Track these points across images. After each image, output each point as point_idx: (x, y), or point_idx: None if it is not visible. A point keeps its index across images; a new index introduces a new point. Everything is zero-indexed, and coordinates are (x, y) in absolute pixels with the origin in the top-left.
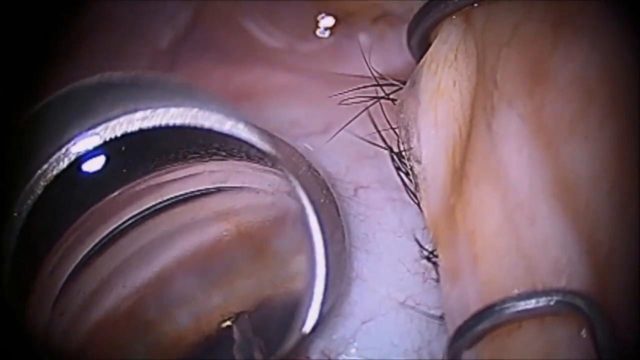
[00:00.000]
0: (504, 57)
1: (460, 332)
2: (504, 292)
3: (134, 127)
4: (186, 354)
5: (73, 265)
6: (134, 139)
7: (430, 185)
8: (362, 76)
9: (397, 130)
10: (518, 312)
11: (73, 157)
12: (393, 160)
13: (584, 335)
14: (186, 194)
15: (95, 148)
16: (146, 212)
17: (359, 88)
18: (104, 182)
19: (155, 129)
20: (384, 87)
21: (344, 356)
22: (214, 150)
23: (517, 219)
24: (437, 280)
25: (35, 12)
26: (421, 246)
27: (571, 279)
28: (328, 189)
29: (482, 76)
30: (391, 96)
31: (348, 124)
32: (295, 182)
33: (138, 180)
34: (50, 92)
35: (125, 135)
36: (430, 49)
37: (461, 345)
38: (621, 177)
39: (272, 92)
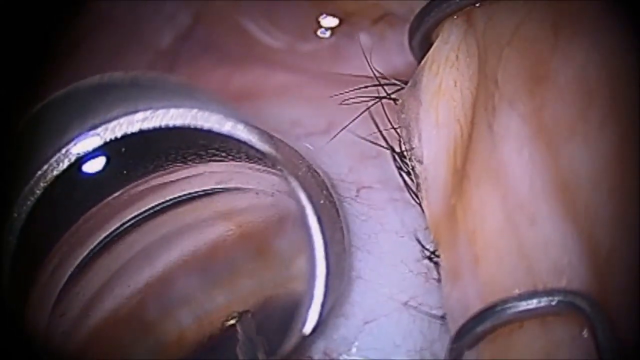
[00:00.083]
0: (505, 57)
1: (462, 332)
2: (505, 292)
3: (134, 128)
4: (188, 354)
5: (73, 267)
6: (134, 140)
7: (432, 185)
8: (363, 76)
9: (398, 130)
10: (519, 312)
11: (73, 158)
12: (395, 160)
13: (585, 336)
14: (186, 194)
15: (96, 149)
16: (146, 213)
17: (360, 88)
18: (104, 183)
19: (155, 130)
20: (385, 87)
21: (345, 356)
22: (214, 151)
23: (518, 219)
24: (439, 280)
25: (35, 12)
26: (423, 246)
27: (571, 279)
28: (328, 190)
29: (483, 76)
30: (392, 96)
31: (349, 124)
32: (295, 183)
33: (138, 181)
34: (50, 92)
35: (125, 136)
36: (432, 49)
37: (462, 345)
38: (621, 178)
39: (273, 92)
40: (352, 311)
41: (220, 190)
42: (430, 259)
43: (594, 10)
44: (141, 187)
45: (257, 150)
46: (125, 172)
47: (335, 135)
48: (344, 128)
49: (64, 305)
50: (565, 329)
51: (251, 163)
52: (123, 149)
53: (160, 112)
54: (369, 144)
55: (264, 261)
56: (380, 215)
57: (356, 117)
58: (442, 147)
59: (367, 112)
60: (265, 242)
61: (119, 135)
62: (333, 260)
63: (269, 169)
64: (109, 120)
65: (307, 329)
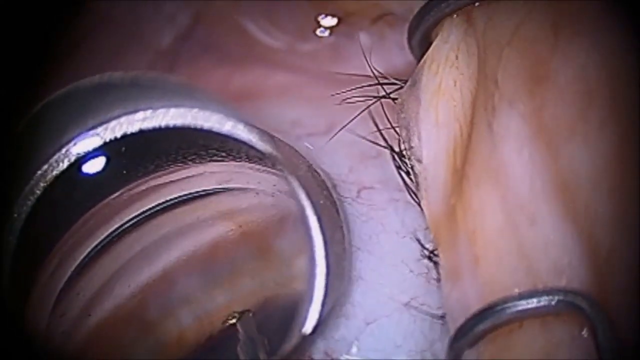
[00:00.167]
0: (505, 57)
1: (462, 331)
2: (505, 292)
3: (134, 128)
4: (189, 354)
5: (73, 267)
6: (134, 140)
7: (431, 185)
8: (362, 75)
9: (397, 130)
10: (519, 311)
11: (73, 158)
12: (394, 159)
13: (585, 335)
14: (186, 194)
15: (96, 149)
16: (147, 213)
17: (359, 87)
18: (104, 183)
19: (155, 130)
20: (385, 87)
21: (346, 356)
22: (214, 151)
23: (518, 219)
24: (438, 280)
25: (35, 12)
26: (422, 246)
27: (571, 279)
28: (328, 190)
29: (483, 76)
30: (392, 95)
31: (348, 123)
32: (295, 183)
33: (138, 181)
34: (50, 92)
35: (125, 136)
36: (431, 49)
37: (462, 344)
38: (621, 178)
39: (273, 92)
40: (353, 312)
41: (221, 190)
42: (429, 258)
43: (594, 10)
44: (141, 187)
45: (258, 150)
46: (125, 172)
47: (334, 135)
48: (342, 128)
49: (64, 305)
50: (565, 329)
51: (251, 163)
52: (123, 149)
53: (160, 111)
54: (369, 143)
55: (264, 261)
56: (381, 216)
57: (355, 117)
58: (441, 146)
59: (367, 112)
60: (266, 242)
61: (118, 135)
62: (333, 260)
63: (269, 169)
64: (109, 120)
65: (308, 328)
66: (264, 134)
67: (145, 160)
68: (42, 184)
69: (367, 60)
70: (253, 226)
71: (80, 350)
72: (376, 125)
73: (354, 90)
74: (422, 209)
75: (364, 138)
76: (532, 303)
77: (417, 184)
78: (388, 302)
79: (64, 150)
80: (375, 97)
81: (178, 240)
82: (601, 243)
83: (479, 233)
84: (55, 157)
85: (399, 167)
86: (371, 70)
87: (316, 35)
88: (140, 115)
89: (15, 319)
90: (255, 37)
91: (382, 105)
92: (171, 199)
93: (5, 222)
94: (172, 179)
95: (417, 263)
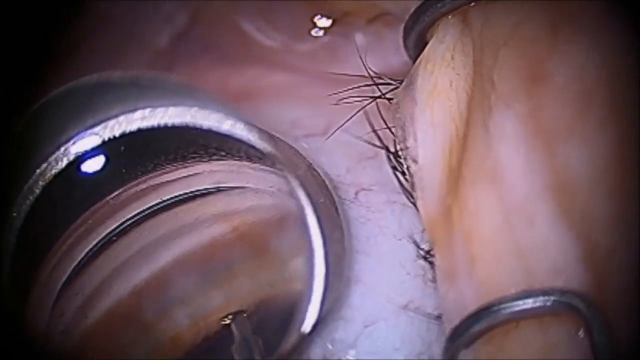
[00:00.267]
0: (501, 57)
1: (458, 332)
2: (502, 292)
3: (133, 127)
4: (185, 354)
5: (72, 266)
6: (134, 139)
7: (427, 185)
8: (359, 75)
9: (393, 130)
10: (515, 312)
11: (72, 157)
12: (390, 159)
13: (582, 336)
14: (186, 194)
15: (95, 148)
16: (146, 213)
17: (355, 87)
18: (103, 182)
19: (154, 129)
20: (381, 87)
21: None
22: (213, 150)
23: (515, 219)
24: (434, 280)
25: (35, 12)
26: (418, 246)
27: (569, 280)
28: (328, 189)
29: (479, 76)
30: (388, 95)
31: (344, 124)
32: (295, 182)
33: (137, 181)
34: (50, 92)
35: (124, 135)
36: (427, 49)
37: (458, 345)
38: (620, 178)
39: (271, 92)
40: (351, 314)
41: (220, 189)
42: (425, 259)
43: (594, 10)
44: (140, 187)
45: (257, 150)
46: (124, 171)
47: (330, 135)
48: (338, 128)
49: (64, 305)
50: (562, 329)
51: (251, 162)
52: (122, 148)
53: (160, 110)
54: (367, 144)
55: (264, 261)
56: (378, 218)
57: (350, 117)
58: (437, 147)
59: (363, 112)
60: (265, 241)
61: (117, 134)
62: (332, 259)
63: (268, 168)
64: (108, 119)
65: (307, 327)
66: (264, 133)
67: (145, 160)
68: (41, 183)
69: (362, 61)
70: (251, 226)
71: (79, 349)
72: (372, 125)
73: (350, 91)
74: (418, 210)
75: (359, 138)
76: (529, 303)
77: (413, 184)
78: (386, 305)
79: (63, 149)
80: (371, 97)
81: (177, 240)
82: (599, 244)
83: (475, 233)
84: (55, 155)
85: (394, 168)
86: (367, 71)
87: (312, 35)
88: (139, 114)
89: (14, 319)
90: (253, 37)
91: (377, 106)
92: (170, 198)
93: (4, 221)
94: (171, 178)
95: (415, 265)
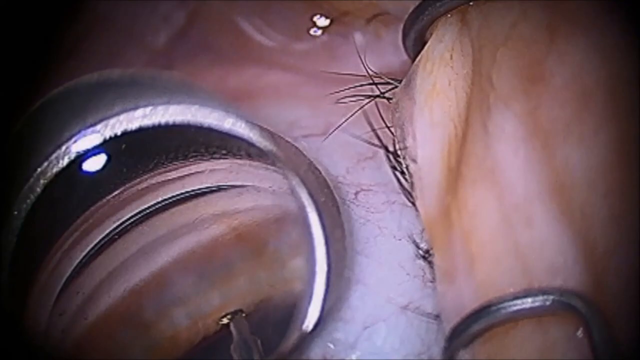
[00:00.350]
0: (500, 57)
1: (457, 331)
2: (500, 292)
3: (134, 125)
4: (184, 354)
5: (73, 265)
6: (134, 138)
7: (426, 184)
8: (357, 75)
9: (392, 129)
10: (514, 311)
11: (73, 156)
12: (389, 159)
13: (580, 335)
14: (187, 192)
15: (96, 147)
16: (146, 212)
17: (354, 87)
18: (104, 181)
19: (155, 128)
20: (380, 86)
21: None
22: (214, 149)
23: (513, 219)
24: (433, 280)
25: (34, 12)
26: (417, 246)
27: (568, 279)
28: (329, 188)
29: (478, 76)
30: (387, 95)
31: (342, 123)
32: (296, 181)
33: (138, 179)
34: (49, 92)
35: (125, 134)
36: (426, 48)
37: (457, 344)
38: (619, 179)
39: (269, 92)
40: (351, 315)
41: (221, 188)
42: (424, 258)
43: (592, 10)
44: (141, 185)
45: (258, 148)
46: (125, 170)
47: (329, 135)
48: (337, 127)
49: (64, 304)
50: (560, 329)
51: (252, 161)
52: (123, 146)
53: (160, 109)
54: (366, 144)
55: (263, 261)
56: (378, 219)
57: (349, 117)
58: (436, 146)
59: (362, 112)
60: (264, 241)
61: (118, 132)
62: (333, 258)
63: (270, 167)
64: (109, 117)
65: (308, 326)
66: (265, 131)
67: (145, 158)
68: (42, 182)
69: (361, 60)
70: (251, 226)
71: (78, 348)
72: (371, 125)
73: (349, 90)
74: (417, 209)
75: (359, 138)
76: (527, 303)
77: (412, 184)
78: (386, 306)
79: (63, 148)
80: (370, 96)
81: (178, 239)
82: (597, 244)
83: (474, 233)
84: (55, 154)
85: (394, 167)
86: (366, 70)
87: (311, 34)
88: (140, 112)
89: (14, 318)
90: (251, 36)
91: (376, 105)
92: (171, 197)
93: (5, 220)
94: (173, 177)
95: (414, 265)
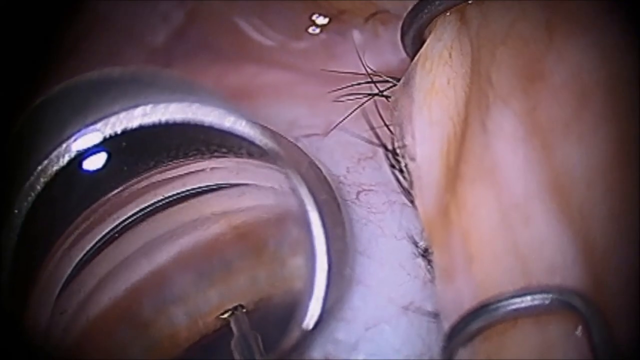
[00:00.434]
0: (499, 55)
1: (456, 330)
2: (499, 291)
3: (134, 124)
4: (184, 353)
5: (74, 263)
6: (135, 136)
7: (425, 183)
8: (356, 73)
9: (391, 128)
10: (513, 310)
11: (73, 154)
12: (387, 158)
13: (579, 334)
14: (187, 191)
15: (96, 145)
16: (147, 210)
17: (353, 86)
18: (104, 179)
19: (155, 126)
20: (379, 85)
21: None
22: (215, 148)
23: (512, 218)
24: (432, 279)
25: (34, 12)
26: (415, 244)
27: (566, 278)
28: (329, 186)
29: (476, 74)
30: (385, 93)
31: (341, 122)
32: (297, 179)
33: (139, 178)
34: (49, 90)
35: (125, 132)
36: (424, 47)
37: (456, 343)
38: (618, 178)
39: (268, 91)
40: (352, 316)
41: (222, 186)
42: (423, 256)
43: (591, 8)
44: (142, 184)
45: (259, 146)
46: (125, 168)
47: (328, 133)
48: (334, 127)
49: (65, 302)
50: (559, 328)
51: (253, 159)
52: (123, 145)
53: (161, 107)
54: (367, 143)
55: (263, 259)
56: (379, 219)
57: (348, 115)
58: (435, 145)
59: (361, 110)
60: (266, 238)
61: (119, 130)
62: (334, 256)
63: (270, 165)
64: (109, 115)
65: (309, 324)
66: (265, 129)
67: (146, 157)
68: (42, 180)
69: (360, 58)
70: (251, 224)
71: (78, 347)
72: (370, 123)
73: (347, 89)
74: (416, 208)
75: (358, 137)
76: (527, 301)
77: (411, 183)
78: (387, 306)
79: (64, 146)
80: (369, 94)
81: (179, 237)
82: (596, 243)
83: (473, 232)
84: (56, 152)
85: (392, 166)
86: (365, 68)
87: (309, 33)
88: (140, 110)
89: (14, 318)
90: (249, 35)
91: (375, 104)
92: (172, 196)
93: (5, 218)
94: (173, 176)
95: (415, 266)
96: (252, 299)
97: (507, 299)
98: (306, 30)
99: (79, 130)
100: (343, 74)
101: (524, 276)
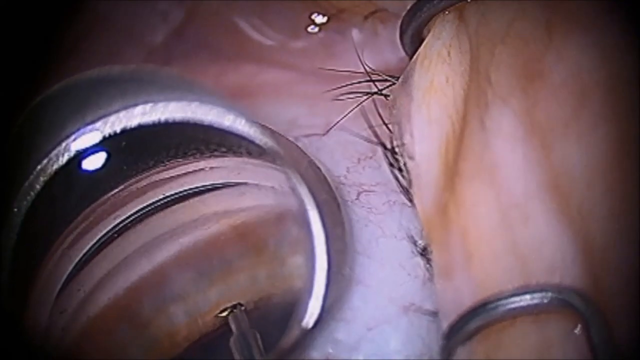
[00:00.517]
0: (498, 54)
1: (454, 328)
2: (498, 290)
3: (134, 123)
4: (183, 351)
5: (74, 263)
6: (134, 135)
7: (424, 181)
8: (355, 72)
9: (390, 126)
10: (512, 308)
11: (73, 153)
12: (386, 156)
13: (578, 333)
14: (187, 190)
15: (95, 144)
16: (146, 209)
17: (351, 84)
18: (103, 178)
19: (155, 125)
20: (377, 83)
21: None
22: (214, 147)
23: (512, 217)
24: (431, 278)
25: (34, 12)
26: (414, 243)
27: (566, 277)
28: (329, 185)
29: (475, 73)
30: (384, 92)
31: (340, 121)
32: (296, 178)
33: (138, 177)
34: (49, 90)
35: (125, 131)
36: (423, 45)
37: (455, 342)
38: (617, 177)
39: (267, 90)
40: (352, 316)
41: (221, 185)
42: (422, 255)
43: (591, 9)
44: (141, 183)
45: (258, 146)
46: (125, 167)
47: (328, 131)
48: (333, 126)
49: (65, 302)
50: (558, 326)
51: (252, 158)
52: (123, 144)
53: (160, 105)
54: (366, 143)
55: (263, 258)
56: (379, 220)
57: (347, 114)
58: (434, 143)
59: (360, 109)
60: (266, 237)
61: (118, 129)
62: (334, 255)
63: (270, 164)
64: (109, 114)
65: (309, 323)
66: (265, 129)
67: (145, 156)
68: (42, 179)
69: (359, 57)
70: (251, 224)
71: (78, 346)
72: (368, 122)
73: (346, 87)
74: (415, 207)
75: (358, 136)
76: (525, 300)
77: (410, 181)
78: (388, 307)
79: (63, 145)
80: (367, 93)
81: (178, 237)
82: (596, 242)
83: (471, 230)
84: (55, 151)
85: (391, 165)
86: (363, 67)
87: (308, 32)
88: (139, 109)
89: (14, 318)
90: (248, 34)
91: (374, 102)
92: (171, 195)
93: (5, 217)
94: (173, 175)
95: (415, 266)
96: (252, 298)
97: (506, 297)
98: (305, 29)
99: (78, 129)
100: (342, 73)
101: (523, 274)
